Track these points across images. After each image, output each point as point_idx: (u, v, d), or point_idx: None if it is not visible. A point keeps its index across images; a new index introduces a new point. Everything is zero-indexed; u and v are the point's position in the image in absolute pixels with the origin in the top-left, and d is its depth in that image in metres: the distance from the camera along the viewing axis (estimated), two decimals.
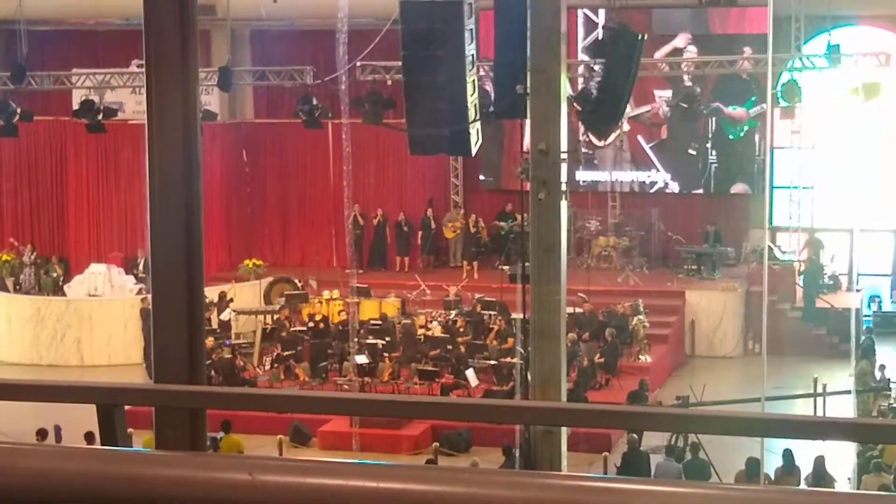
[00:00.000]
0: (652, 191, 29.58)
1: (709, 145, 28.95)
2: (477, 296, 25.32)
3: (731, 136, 25.87)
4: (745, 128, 26.23)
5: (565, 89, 14.68)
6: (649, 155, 29.36)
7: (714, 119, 27.93)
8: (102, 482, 2.40)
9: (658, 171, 29.54)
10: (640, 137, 29.13)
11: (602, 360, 23.03)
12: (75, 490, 2.41)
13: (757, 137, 28.52)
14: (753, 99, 25.43)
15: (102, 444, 3.16)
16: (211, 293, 24.44)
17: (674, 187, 29.43)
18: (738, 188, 29.18)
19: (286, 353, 23.30)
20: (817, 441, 17.70)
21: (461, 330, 23.81)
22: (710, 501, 2.17)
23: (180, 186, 5.60)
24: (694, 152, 28.65)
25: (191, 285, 5.62)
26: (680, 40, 27.94)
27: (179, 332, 5.56)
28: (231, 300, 25.92)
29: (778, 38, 19.80)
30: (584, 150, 29.28)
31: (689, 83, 27.29)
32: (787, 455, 16.55)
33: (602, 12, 27.89)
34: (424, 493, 2.30)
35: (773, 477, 16.44)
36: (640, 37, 15.78)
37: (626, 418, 5.01)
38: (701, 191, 29.40)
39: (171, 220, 5.63)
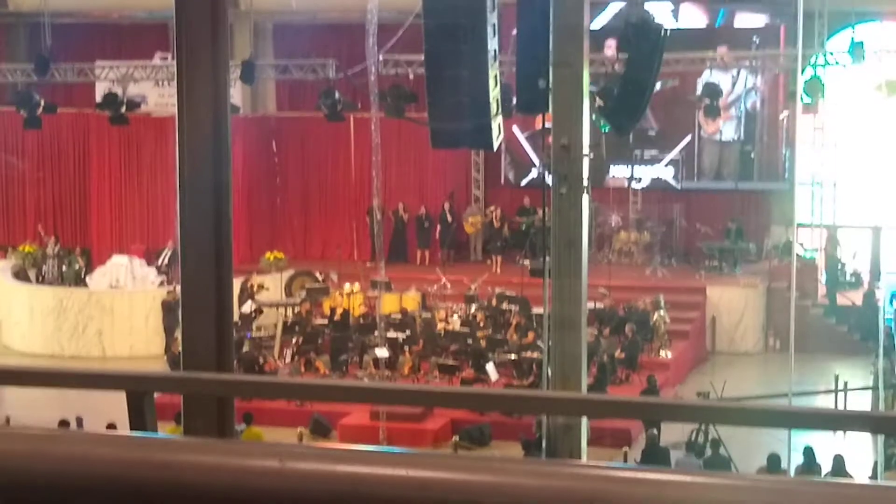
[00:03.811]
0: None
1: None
2: (497, 290, 25.30)
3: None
4: None
5: (587, 84, 14.66)
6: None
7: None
8: (135, 468, 2.42)
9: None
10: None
11: (622, 355, 23.00)
12: (108, 475, 2.43)
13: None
14: None
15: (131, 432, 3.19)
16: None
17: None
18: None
19: (307, 346, 23.34)
20: (839, 438, 17.69)
21: (481, 324, 23.80)
22: (741, 492, 2.17)
23: (210, 178, 5.64)
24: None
25: (219, 275, 5.66)
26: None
27: (208, 322, 5.60)
28: (256, 290, 25.88)
29: (803, 33, 19.72)
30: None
31: (710, 77, 27.21)
32: (808, 452, 16.53)
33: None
34: (454, 482, 2.31)
35: (793, 474, 16.41)
36: (663, 31, 15.76)
37: (649, 410, 5.02)
38: (715, 185, 29.34)
39: (200, 211, 5.67)
